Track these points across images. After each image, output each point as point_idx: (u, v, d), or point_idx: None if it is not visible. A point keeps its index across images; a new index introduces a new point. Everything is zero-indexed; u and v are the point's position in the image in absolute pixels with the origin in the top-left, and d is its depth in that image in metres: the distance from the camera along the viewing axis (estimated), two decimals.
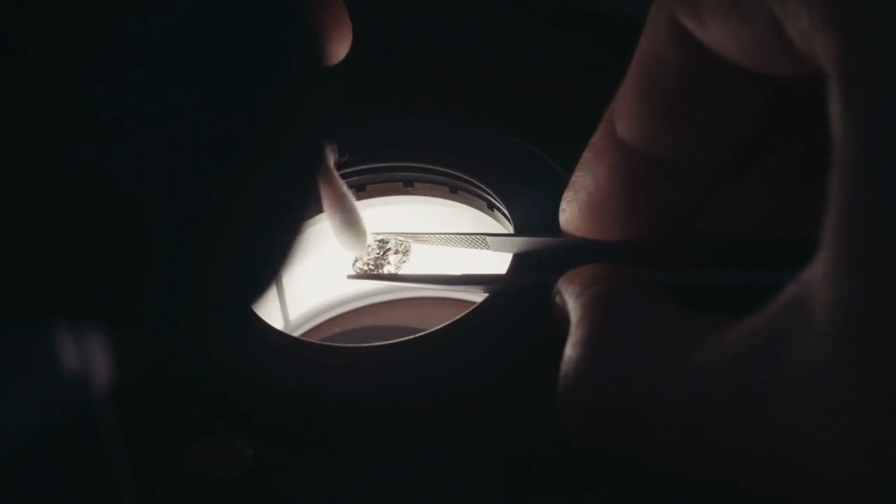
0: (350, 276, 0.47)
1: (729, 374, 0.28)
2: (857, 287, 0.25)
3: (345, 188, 0.46)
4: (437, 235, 0.46)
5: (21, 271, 0.25)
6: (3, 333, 0.28)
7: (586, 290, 0.34)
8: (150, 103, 0.24)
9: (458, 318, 0.42)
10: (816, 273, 0.26)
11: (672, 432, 0.29)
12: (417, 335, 0.42)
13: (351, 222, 0.46)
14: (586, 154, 0.36)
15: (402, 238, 0.48)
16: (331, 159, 0.47)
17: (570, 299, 0.35)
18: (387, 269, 0.48)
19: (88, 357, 0.30)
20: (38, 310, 0.26)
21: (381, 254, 0.48)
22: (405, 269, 0.48)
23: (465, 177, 0.48)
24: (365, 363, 0.42)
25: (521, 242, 0.43)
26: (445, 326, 0.42)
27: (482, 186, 0.48)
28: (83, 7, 0.24)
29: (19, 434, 0.29)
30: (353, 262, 0.48)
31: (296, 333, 0.52)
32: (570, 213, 0.38)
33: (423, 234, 0.47)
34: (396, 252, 0.48)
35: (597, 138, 0.36)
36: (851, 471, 0.26)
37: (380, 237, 0.48)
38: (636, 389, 0.30)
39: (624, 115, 0.34)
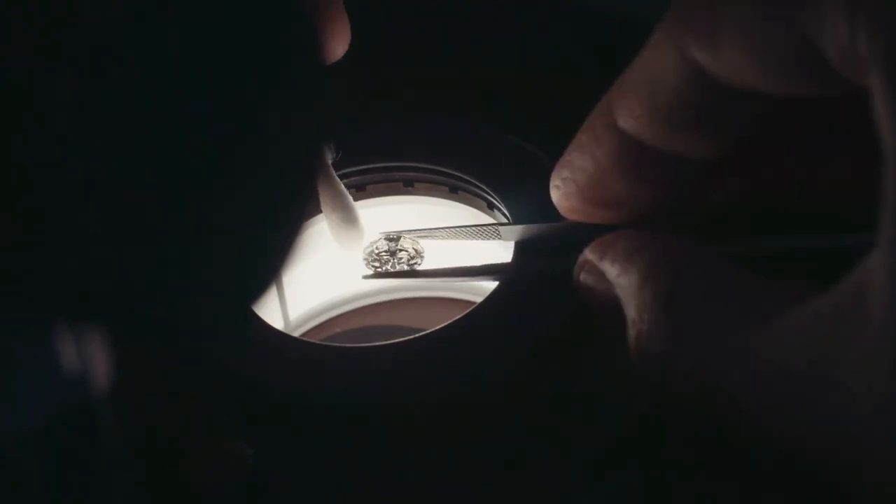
0: (365, 277, 0.47)
1: (799, 354, 0.28)
2: None
3: (342, 187, 0.46)
4: (447, 230, 0.46)
5: (21, 270, 0.25)
6: (4, 333, 0.28)
7: (637, 255, 0.34)
8: (150, 103, 0.24)
9: (458, 318, 0.42)
10: (875, 264, 0.27)
11: (749, 398, 0.29)
12: (417, 335, 0.42)
13: (348, 220, 0.46)
14: (583, 136, 0.36)
15: (412, 236, 0.48)
16: (328, 157, 0.46)
17: (616, 266, 0.34)
18: (399, 269, 0.48)
19: (88, 357, 0.30)
20: (38, 310, 0.26)
21: (391, 253, 0.48)
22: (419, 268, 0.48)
23: (465, 177, 0.48)
24: (365, 363, 0.42)
25: (529, 230, 0.43)
26: (445, 326, 0.42)
27: (482, 186, 0.48)
28: (81, 6, 0.24)
29: (19, 433, 0.29)
30: (365, 259, 0.48)
31: (296, 333, 0.52)
32: (565, 191, 0.37)
33: (431, 229, 0.46)
34: (406, 251, 0.48)
35: (595, 123, 0.35)
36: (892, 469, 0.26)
37: (391, 236, 0.48)
38: (716, 353, 0.30)
39: (625, 113, 0.34)
